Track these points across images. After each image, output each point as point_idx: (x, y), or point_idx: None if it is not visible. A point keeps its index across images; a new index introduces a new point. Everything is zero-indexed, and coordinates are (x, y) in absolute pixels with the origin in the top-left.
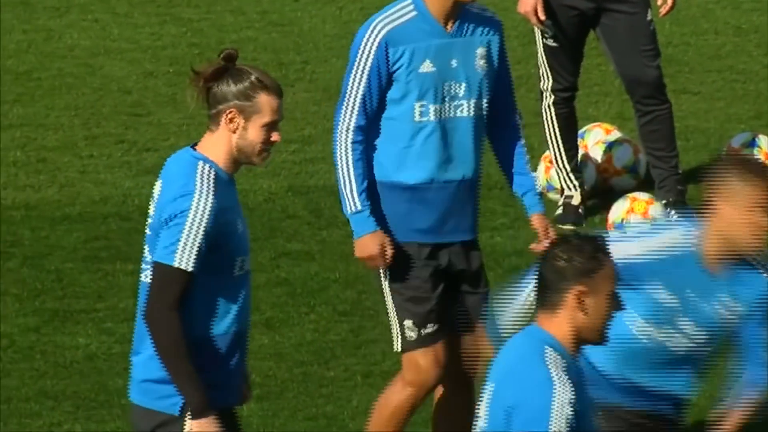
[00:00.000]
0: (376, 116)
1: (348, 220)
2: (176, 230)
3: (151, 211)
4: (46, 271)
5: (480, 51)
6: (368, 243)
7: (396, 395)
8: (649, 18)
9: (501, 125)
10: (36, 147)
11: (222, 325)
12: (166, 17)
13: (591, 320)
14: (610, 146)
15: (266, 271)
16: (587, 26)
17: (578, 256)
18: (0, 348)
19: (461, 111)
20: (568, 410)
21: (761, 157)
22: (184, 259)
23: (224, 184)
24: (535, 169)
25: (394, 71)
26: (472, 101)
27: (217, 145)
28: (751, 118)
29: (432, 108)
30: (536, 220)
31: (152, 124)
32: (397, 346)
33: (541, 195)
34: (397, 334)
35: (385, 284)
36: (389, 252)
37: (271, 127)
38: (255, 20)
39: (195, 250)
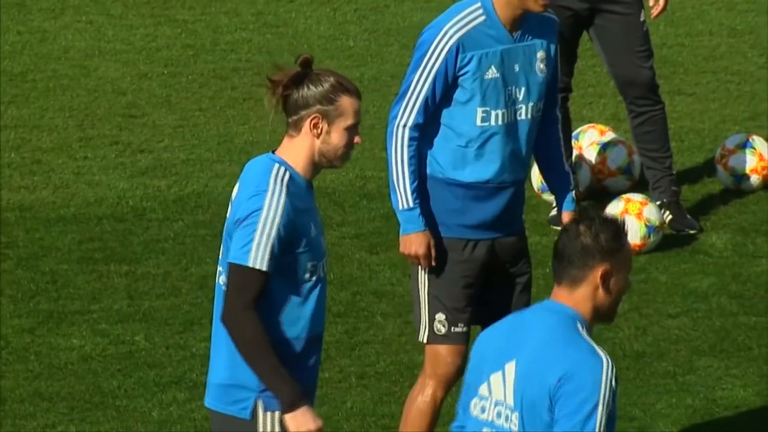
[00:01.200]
0: (435, 115)
1: (396, 216)
2: (249, 230)
3: (228, 214)
4: (41, 273)
5: (540, 54)
6: (414, 241)
7: (418, 392)
8: (642, 19)
9: (544, 120)
10: (31, 148)
11: (294, 329)
12: (160, 18)
13: (610, 299)
14: (604, 147)
15: None
16: (581, 27)
17: (604, 234)
18: None
19: (520, 114)
20: (614, 385)
21: (755, 159)
22: (258, 258)
23: (300, 188)
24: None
25: (461, 75)
26: (531, 104)
27: (298, 150)
28: (745, 119)
29: (494, 113)
30: (566, 216)
31: (147, 125)
32: (423, 337)
33: (574, 192)
34: (425, 325)
35: (423, 273)
36: (434, 253)
37: (353, 129)
38: (250, 21)
39: (269, 249)
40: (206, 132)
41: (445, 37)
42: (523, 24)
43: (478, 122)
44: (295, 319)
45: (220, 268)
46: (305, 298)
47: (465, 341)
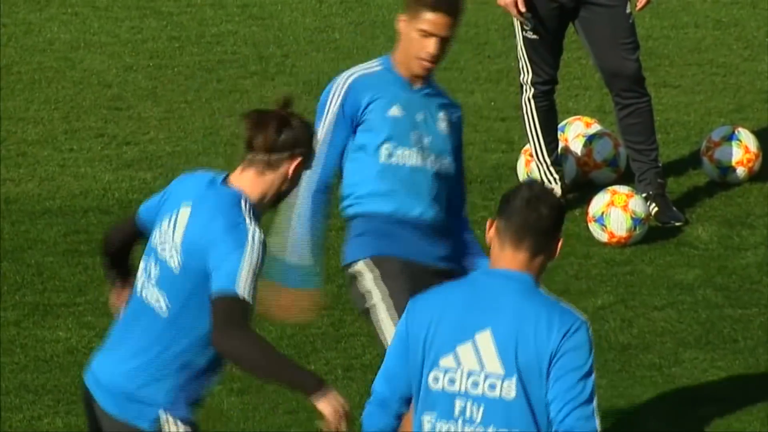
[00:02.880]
0: (344, 159)
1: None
2: (236, 259)
3: (178, 237)
4: (26, 265)
5: (442, 115)
6: (303, 298)
7: None
8: (628, 11)
9: (452, 213)
10: (16, 141)
11: (209, 354)
12: (146, 11)
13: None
14: (590, 139)
15: None
16: (567, 19)
17: (560, 207)
18: None
19: (428, 163)
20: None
21: (741, 151)
22: (247, 289)
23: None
24: (515, 163)
25: (363, 113)
26: (437, 156)
27: (264, 187)
28: (731, 112)
29: (400, 151)
30: None
31: (132, 117)
32: None
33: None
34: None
35: (377, 299)
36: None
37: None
38: (235, 13)
39: (254, 281)
40: (192, 124)
41: (343, 79)
42: (427, 85)
43: (382, 159)
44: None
45: (147, 283)
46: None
47: None
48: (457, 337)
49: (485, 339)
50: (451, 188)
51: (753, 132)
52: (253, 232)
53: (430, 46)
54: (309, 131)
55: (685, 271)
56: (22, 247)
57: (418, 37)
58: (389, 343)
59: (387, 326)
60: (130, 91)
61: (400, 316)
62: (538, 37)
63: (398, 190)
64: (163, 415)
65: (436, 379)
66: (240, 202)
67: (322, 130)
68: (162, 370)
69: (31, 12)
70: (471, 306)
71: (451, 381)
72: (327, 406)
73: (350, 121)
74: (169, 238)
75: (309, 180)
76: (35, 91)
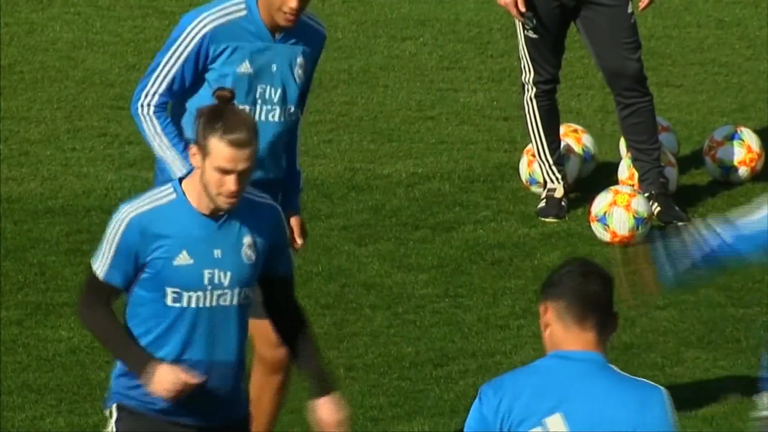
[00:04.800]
0: (182, 101)
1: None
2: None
3: None
4: (29, 264)
5: (300, 60)
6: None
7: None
8: (629, 11)
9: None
10: (18, 140)
11: (161, 351)
12: (148, 10)
13: None
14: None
15: None
16: (568, 18)
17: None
18: None
19: (273, 116)
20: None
21: (743, 151)
22: (99, 266)
23: (179, 213)
24: (517, 163)
25: (210, 64)
26: (285, 108)
27: (196, 178)
28: (733, 111)
29: (247, 107)
30: (290, 217)
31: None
32: None
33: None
34: None
35: None
36: None
37: (221, 171)
38: None
39: (109, 261)
40: None
41: (200, 24)
42: (294, 32)
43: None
44: (161, 340)
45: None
46: (170, 323)
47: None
48: (528, 423)
49: (557, 422)
50: (291, 138)
51: (755, 131)
52: (120, 210)
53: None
54: (201, 124)
55: None
56: (24, 246)
57: None
58: None
59: None
60: (132, 90)
61: None
62: (539, 37)
63: None
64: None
65: None
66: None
67: (165, 63)
68: None
69: (33, 11)
70: (542, 390)
71: None
72: (155, 385)
73: (197, 69)
74: None
75: (141, 104)
76: (38, 91)
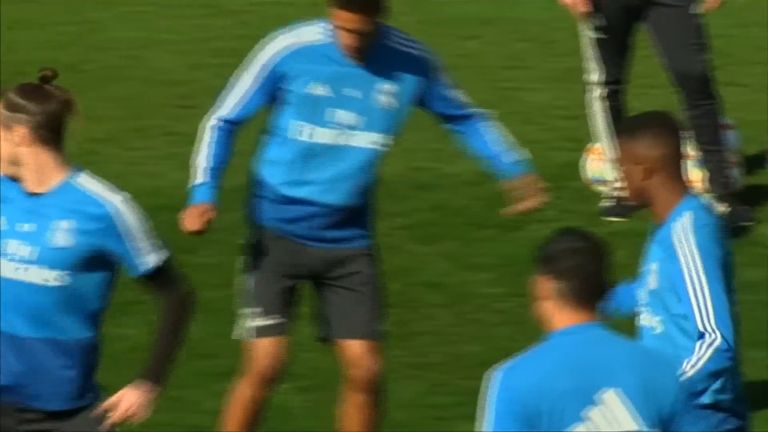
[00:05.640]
0: (267, 115)
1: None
2: None
3: None
4: None
5: (386, 87)
6: (193, 211)
7: (236, 387)
8: (696, 11)
9: (463, 126)
10: (84, 139)
11: None
12: (212, 9)
13: None
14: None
15: None
16: (634, 18)
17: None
18: None
19: (350, 141)
20: None
21: None
22: None
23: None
24: (580, 162)
25: (286, 86)
26: (367, 134)
27: None
28: None
29: (309, 129)
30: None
31: (199, 116)
32: (239, 333)
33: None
34: (242, 319)
35: (246, 266)
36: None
37: None
38: (303, 11)
39: None
40: (257, 122)
41: (277, 46)
42: (371, 54)
43: (292, 135)
44: None
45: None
46: None
47: (278, 334)
48: (579, 405)
49: (614, 398)
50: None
51: None
52: None
53: (350, 39)
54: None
55: (752, 270)
56: None
57: (338, 29)
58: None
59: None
60: (197, 89)
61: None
62: (605, 36)
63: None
64: None
65: None
66: None
67: (241, 82)
68: None
69: (97, 10)
70: (579, 372)
71: None
72: None
73: (272, 89)
74: None
75: (214, 116)
76: (102, 90)
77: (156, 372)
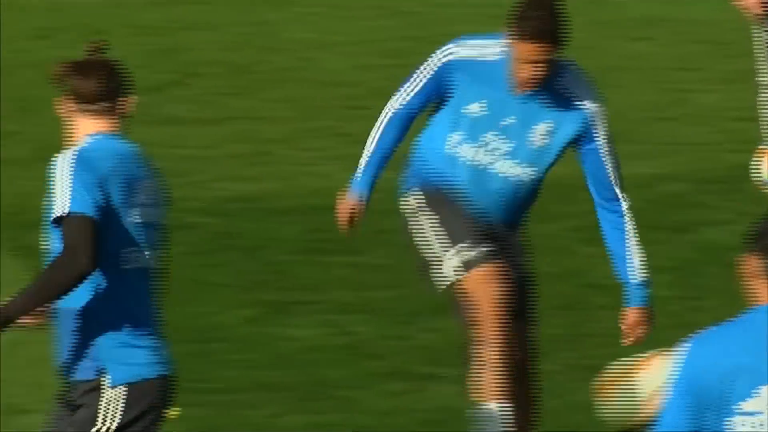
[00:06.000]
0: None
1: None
2: None
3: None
4: (266, 263)
5: (543, 127)
6: (350, 202)
7: (477, 349)
8: None
9: (602, 206)
10: (255, 139)
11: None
12: (384, 10)
13: None
14: None
15: None
16: None
17: None
18: (218, 339)
19: (494, 166)
20: None
21: None
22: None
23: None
24: (752, 163)
25: (448, 94)
26: (513, 164)
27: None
28: None
29: (465, 146)
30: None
31: (368, 117)
32: (451, 278)
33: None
34: (449, 265)
35: (427, 222)
36: (357, 218)
37: None
38: (472, 13)
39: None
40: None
41: (449, 50)
42: (538, 90)
43: (447, 146)
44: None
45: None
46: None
47: (495, 260)
48: (753, 380)
49: None
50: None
51: None
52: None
53: (531, 71)
54: (123, 72)
55: None
56: (261, 245)
57: (519, 62)
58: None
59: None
60: (367, 90)
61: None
62: None
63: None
64: None
65: (742, 424)
66: None
67: (416, 77)
68: None
69: (270, 12)
70: (763, 346)
71: (761, 425)
72: None
73: (438, 89)
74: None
75: (389, 107)
76: (275, 91)
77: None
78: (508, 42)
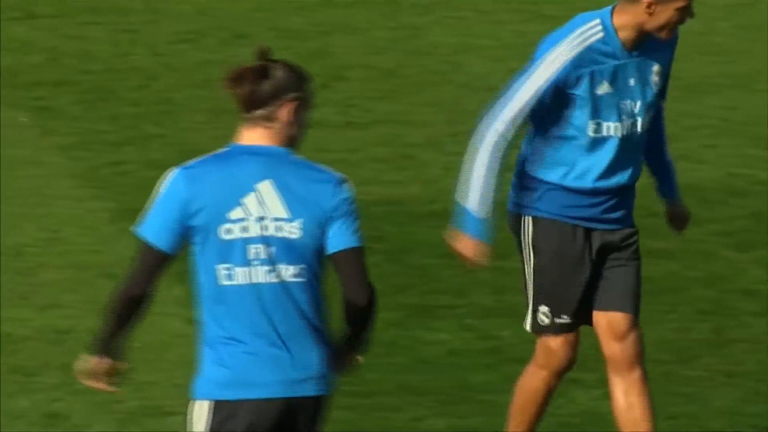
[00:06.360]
0: (541, 124)
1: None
2: (353, 216)
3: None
4: (409, 267)
5: (656, 68)
6: (469, 245)
7: (530, 378)
8: None
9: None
10: (401, 143)
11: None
12: (529, 14)
13: None
14: None
15: None
16: None
17: None
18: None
19: (635, 127)
20: None
21: None
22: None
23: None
24: None
25: (571, 91)
26: (645, 117)
27: (273, 138)
28: None
29: (605, 125)
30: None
31: None
32: (528, 326)
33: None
34: (530, 315)
35: (532, 261)
36: (484, 259)
37: None
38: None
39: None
40: None
41: (560, 52)
42: (644, 42)
43: (589, 135)
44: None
45: (293, 268)
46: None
47: (571, 330)
48: None
49: None
50: (659, 128)
51: None
52: (347, 180)
53: (684, 13)
54: (295, 73)
55: None
56: (405, 248)
57: (675, 12)
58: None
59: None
60: None
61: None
62: None
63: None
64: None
65: None
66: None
67: (523, 93)
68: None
69: (416, 16)
70: None
71: None
72: None
73: (555, 95)
74: (263, 215)
75: (494, 130)
76: (420, 95)
77: None
78: (651, 3)
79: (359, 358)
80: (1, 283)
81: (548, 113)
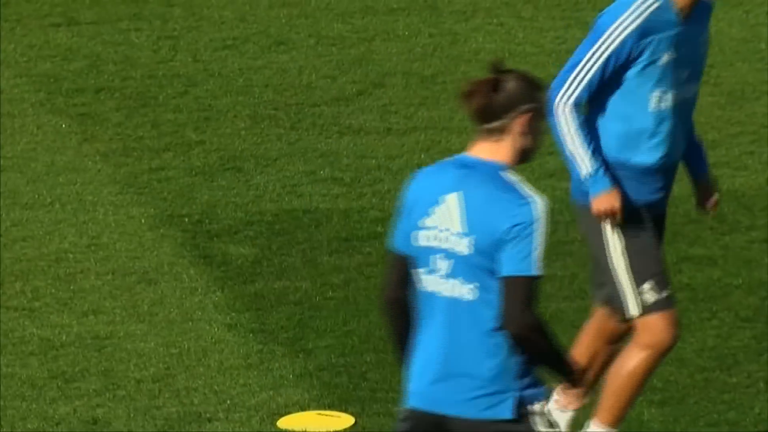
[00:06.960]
0: (600, 98)
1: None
2: (529, 240)
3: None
4: None
5: (703, 36)
6: (607, 199)
7: (630, 360)
8: None
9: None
10: (440, 150)
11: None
12: (570, 21)
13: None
14: None
15: None
16: None
17: None
18: None
19: (687, 94)
20: None
21: None
22: (539, 266)
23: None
24: None
25: (635, 62)
26: (695, 84)
27: (501, 151)
28: None
29: (667, 96)
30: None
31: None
32: (634, 310)
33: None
34: (633, 298)
35: (618, 249)
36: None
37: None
38: None
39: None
40: None
41: (622, 25)
42: (694, 10)
43: (652, 106)
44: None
45: (467, 284)
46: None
47: (673, 304)
48: None
49: None
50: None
51: None
52: (537, 204)
53: None
54: (527, 84)
55: None
56: None
57: None
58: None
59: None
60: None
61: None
62: None
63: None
64: (519, 399)
65: None
66: (511, 179)
67: (589, 61)
68: (500, 352)
69: (457, 22)
70: None
71: None
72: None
73: (621, 66)
74: (446, 227)
75: (565, 101)
76: (460, 101)
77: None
78: None
79: (568, 384)
80: (41, 290)
81: (612, 87)
